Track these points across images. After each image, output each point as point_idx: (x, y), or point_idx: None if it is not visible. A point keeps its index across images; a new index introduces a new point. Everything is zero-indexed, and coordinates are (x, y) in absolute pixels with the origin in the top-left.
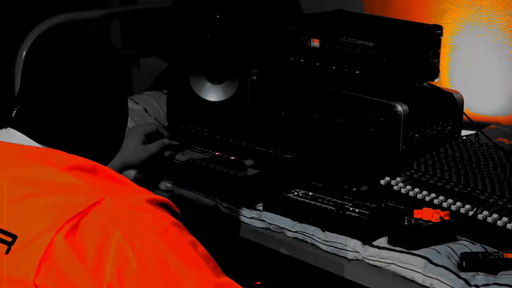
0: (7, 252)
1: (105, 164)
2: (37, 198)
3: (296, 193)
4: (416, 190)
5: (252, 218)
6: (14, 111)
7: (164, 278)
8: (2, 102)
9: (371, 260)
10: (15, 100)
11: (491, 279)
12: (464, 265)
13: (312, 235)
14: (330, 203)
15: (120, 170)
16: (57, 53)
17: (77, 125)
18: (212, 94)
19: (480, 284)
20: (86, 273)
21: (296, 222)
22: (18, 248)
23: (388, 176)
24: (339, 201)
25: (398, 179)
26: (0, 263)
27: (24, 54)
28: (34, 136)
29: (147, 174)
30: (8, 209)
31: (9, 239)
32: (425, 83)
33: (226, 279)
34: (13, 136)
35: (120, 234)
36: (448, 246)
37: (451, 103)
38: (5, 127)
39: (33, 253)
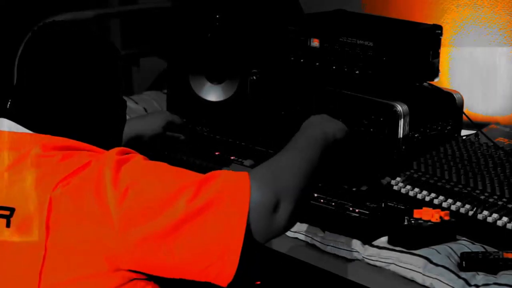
0: (8, 226)
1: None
2: (29, 171)
3: None
4: (416, 190)
5: None
6: (8, 103)
7: (155, 194)
8: (2, 101)
9: (371, 260)
10: (11, 93)
11: (491, 279)
12: (464, 265)
13: (312, 235)
14: (330, 203)
15: (131, 138)
16: (51, 45)
17: (72, 116)
18: (212, 94)
19: (480, 284)
20: (92, 209)
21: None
22: (18, 218)
23: (388, 176)
24: (339, 201)
25: (398, 179)
26: (3, 237)
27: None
28: (28, 126)
29: None
30: (2, 186)
31: (7, 213)
32: (425, 83)
33: (204, 177)
34: (7, 125)
35: (111, 169)
36: (448, 246)
37: (451, 103)
38: None
39: (36, 218)
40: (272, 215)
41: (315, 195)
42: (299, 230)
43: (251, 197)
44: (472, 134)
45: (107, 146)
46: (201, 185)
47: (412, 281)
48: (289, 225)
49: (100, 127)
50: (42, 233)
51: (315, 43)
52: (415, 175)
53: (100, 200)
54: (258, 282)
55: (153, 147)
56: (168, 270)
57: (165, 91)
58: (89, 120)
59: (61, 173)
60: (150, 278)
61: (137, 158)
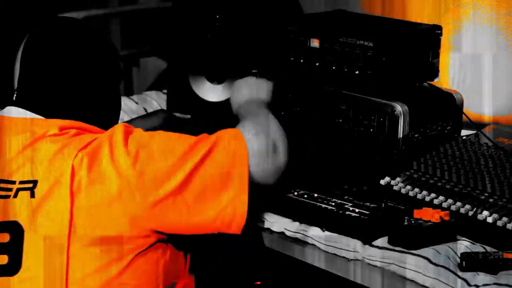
0: (32, 196)
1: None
2: (48, 146)
3: (296, 193)
4: (416, 190)
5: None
6: (15, 94)
7: (167, 151)
8: (2, 101)
9: (371, 260)
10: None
11: (491, 279)
12: (464, 265)
13: (312, 235)
14: (330, 203)
15: None
16: (56, 38)
17: (77, 103)
18: (212, 94)
19: (480, 284)
20: (109, 172)
21: (296, 222)
22: (41, 188)
23: (388, 176)
24: (339, 201)
25: (398, 179)
26: (28, 206)
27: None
28: (39, 113)
29: None
30: (20, 163)
31: (30, 185)
32: (425, 83)
33: (201, 135)
34: (19, 112)
35: (121, 137)
36: (448, 246)
37: (451, 103)
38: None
39: (60, 185)
40: (273, 156)
41: (315, 195)
42: (299, 230)
43: (248, 145)
44: (472, 134)
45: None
46: (200, 139)
47: (412, 281)
48: (287, 160)
49: (100, 113)
50: (66, 199)
51: (315, 43)
52: (415, 175)
53: (115, 163)
54: (258, 282)
55: None
56: (185, 225)
57: (165, 91)
58: (91, 106)
59: (79, 144)
60: (170, 241)
61: (139, 130)
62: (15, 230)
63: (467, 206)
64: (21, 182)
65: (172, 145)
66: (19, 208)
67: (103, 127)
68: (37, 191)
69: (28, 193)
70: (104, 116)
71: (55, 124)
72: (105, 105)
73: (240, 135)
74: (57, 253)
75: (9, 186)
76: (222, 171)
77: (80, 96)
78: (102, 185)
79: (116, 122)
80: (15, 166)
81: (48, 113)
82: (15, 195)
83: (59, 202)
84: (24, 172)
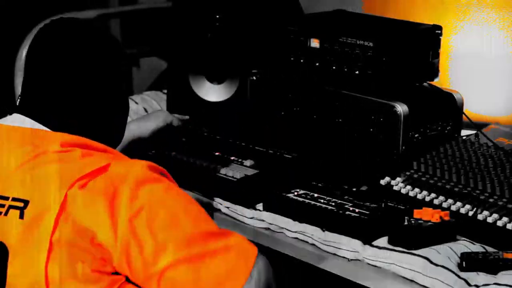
0: (21, 217)
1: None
2: (47, 166)
3: (296, 193)
4: (416, 190)
5: (252, 218)
6: (18, 99)
7: (170, 226)
8: (2, 102)
9: (371, 260)
10: (22, 90)
11: (491, 279)
12: (464, 265)
13: (312, 235)
14: (330, 203)
15: (131, 140)
16: (61, 42)
17: (81, 111)
18: (212, 94)
19: (480, 284)
20: (102, 216)
21: (296, 222)
22: (31, 211)
23: (388, 176)
24: (339, 201)
25: (398, 179)
26: (16, 228)
27: (24, 53)
28: (41, 121)
29: None
30: (17, 179)
31: (21, 204)
32: (425, 83)
33: (222, 230)
34: (22, 121)
35: (130, 189)
36: (448, 246)
37: (451, 103)
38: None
39: (48, 212)
40: None
41: (315, 195)
42: (299, 230)
43: (253, 272)
44: (472, 134)
45: (111, 140)
46: (211, 237)
47: (412, 281)
48: None
49: (106, 121)
50: (49, 227)
51: (315, 43)
52: (415, 175)
53: (112, 210)
54: None
55: (152, 148)
56: None
57: (165, 91)
58: (100, 114)
59: (79, 171)
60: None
61: (163, 185)
62: (1, 251)
63: (467, 206)
64: (13, 199)
65: (181, 224)
66: (7, 228)
67: (110, 135)
68: (27, 212)
69: (18, 212)
70: (112, 123)
71: (57, 139)
72: (114, 112)
73: (252, 258)
74: (36, 280)
75: (3, 202)
76: (212, 280)
77: (89, 103)
78: (90, 224)
79: (124, 129)
80: (11, 181)
81: (53, 122)
82: (6, 213)
83: (43, 228)
84: (18, 189)
